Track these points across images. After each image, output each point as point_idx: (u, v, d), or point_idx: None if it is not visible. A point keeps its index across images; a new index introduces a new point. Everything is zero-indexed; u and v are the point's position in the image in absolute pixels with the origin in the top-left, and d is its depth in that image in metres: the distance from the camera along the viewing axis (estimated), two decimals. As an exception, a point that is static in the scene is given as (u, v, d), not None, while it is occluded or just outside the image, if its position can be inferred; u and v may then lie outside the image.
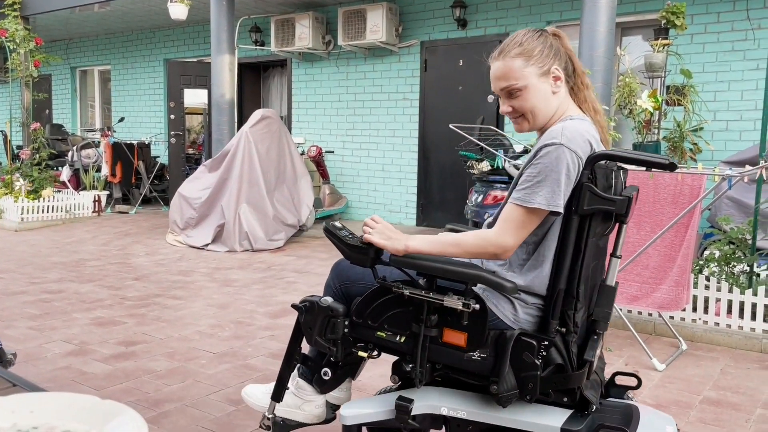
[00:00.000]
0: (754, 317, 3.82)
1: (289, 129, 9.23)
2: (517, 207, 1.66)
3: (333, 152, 8.93)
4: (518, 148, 5.90)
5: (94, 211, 8.84)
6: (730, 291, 3.89)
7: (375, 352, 1.87)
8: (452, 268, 1.67)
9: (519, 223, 1.66)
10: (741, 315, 3.85)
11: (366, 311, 1.84)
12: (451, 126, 5.22)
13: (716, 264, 4.17)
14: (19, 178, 8.29)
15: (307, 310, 1.91)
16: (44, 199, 8.22)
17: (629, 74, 4.71)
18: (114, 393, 2.94)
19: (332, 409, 2.09)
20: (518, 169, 5.42)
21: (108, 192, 9.30)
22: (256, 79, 10.51)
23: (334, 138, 9.02)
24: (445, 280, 1.71)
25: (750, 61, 6.06)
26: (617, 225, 1.75)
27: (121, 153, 9.34)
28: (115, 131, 10.03)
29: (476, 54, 7.70)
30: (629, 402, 1.84)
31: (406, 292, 1.72)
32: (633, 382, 1.89)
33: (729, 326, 3.87)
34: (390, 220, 8.25)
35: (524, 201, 1.64)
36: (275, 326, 3.99)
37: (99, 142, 9.84)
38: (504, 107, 1.81)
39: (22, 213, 7.92)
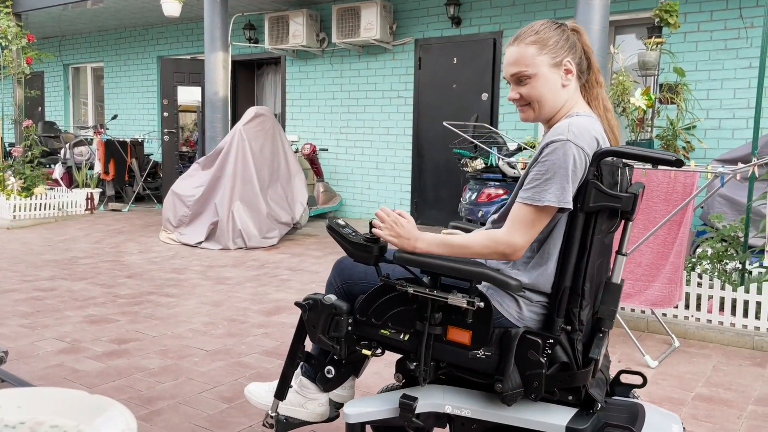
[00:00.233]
0: (746, 314, 3.83)
1: (283, 127, 9.21)
2: (526, 206, 1.64)
3: (327, 150, 8.92)
4: (512, 146, 5.91)
5: (86, 209, 8.80)
6: (723, 288, 3.90)
7: (379, 350, 1.86)
8: (456, 266, 1.66)
9: (529, 222, 1.64)
10: (733, 312, 3.86)
11: (369, 309, 1.83)
12: (445, 124, 5.22)
13: (709, 261, 4.18)
14: (12, 176, 8.24)
15: (311, 307, 1.91)
16: (36, 196, 8.18)
17: (623, 72, 4.72)
18: (106, 391, 2.92)
19: (335, 407, 2.08)
20: (512, 166, 5.43)
21: (101, 190, 9.27)
22: (249, 77, 10.49)
23: (328, 136, 9.01)
24: (449, 278, 1.70)
25: (743, 60, 6.08)
26: (623, 222, 1.75)
27: (114, 150, 9.30)
28: (108, 129, 9.99)
29: (470, 52, 7.71)
30: (634, 400, 1.84)
31: (410, 290, 1.71)
32: (638, 380, 1.89)
33: (721, 323, 3.88)
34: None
35: (534, 200, 1.63)
36: (269, 324, 3.99)
37: (92, 139, 9.80)
38: (512, 93, 1.80)
39: (14, 211, 7.88)
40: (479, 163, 5.73)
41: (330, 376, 1.99)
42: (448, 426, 1.84)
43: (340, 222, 1.84)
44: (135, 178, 9.66)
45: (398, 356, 1.86)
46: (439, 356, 1.74)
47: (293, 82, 9.30)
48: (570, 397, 1.68)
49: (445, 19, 7.84)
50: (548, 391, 1.65)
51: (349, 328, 1.86)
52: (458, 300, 1.65)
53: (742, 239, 4.10)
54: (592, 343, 1.70)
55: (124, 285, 4.91)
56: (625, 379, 1.91)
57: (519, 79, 1.77)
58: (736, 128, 6.13)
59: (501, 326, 1.69)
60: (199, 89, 9.38)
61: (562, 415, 1.65)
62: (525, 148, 5.65)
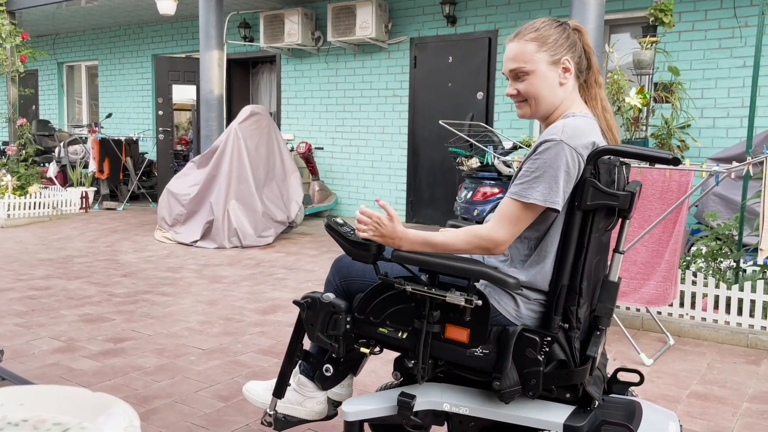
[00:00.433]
0: (740, 312, 3.85)
1: (279, 125, 9.21)
2: (513, 201, 1.65)
3: (322, 149, 8.91)
4: (507, 145, 5.92)
5: (81, 208, 8.78)
6: (717, 286, 3.92)
7: (377, 349, 1.86)
8: (455, 264, 1.67)
9: (513, 218, 1.65)
10: (728, 310, 3.88)
11: (368, 307, 1.83)
12: (440, 122, 5.23)
13: (703, 260, 4.20)
14: (6, 175, 8.21)
15: (309, 306, 1.91)
16: (31, 195, 8.15)
17: (617, 71, 4.73)
18: (102, 389, 2.92)
19: (334, 405, 2.09)
20: (507, 165, 5.44)
21: (95, 188, 9.24)
22: (245, 76, 10.47)
23: (324, 134, 9.00)
24: (447, 276, 1.70)
25: (737, 59, 6.11)
26: (620, 220, 1.76)
27: (108, 149, 9.28)
28: (102, 127, 9.96)
29: (466, 51, 7.72)
30: (632, 398, 1.85)
31: (409, 288, 1.72)
32: (635, 378, 1.90)
33: (716, 321, 3.90)
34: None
35: (520, 196, 1.64)
36: (265, 323, 3.99)
37: (86, 138, 9.77)
38: (509, 89, 1.81)
39: (8, 209, 7.85)
40: (475, 162, 5.73)
41: (328, 374, 1.99)
42: (446, 424, 1.85)
43: (339, 220, 1.84)
44: (130, 177, 9.63)
45: (396, 354, 1.87)
46: (437, 354, 1.74)
47: (288, 81, 9.29)
48: (567, 395, 1.69)
49: (440, 18, 7.85)
50: (546, 388, 1.65)
51: (348, 326, 1.86)
52: (456, 298, 1.65)
53: (736, 238, 4.13)
54: (590, 341, 1.71)
55: (120, 284, 4.90)
56: (622, 377, 1.92)
57: (517, 75, 1.78)
58: (730, 127, 6.16)
59: (499, 324, 1.69)
60: (194, 88, 9.37)
61: (560, 412, 1.66)
62: (520, 147, 5.67)
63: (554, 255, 1.68)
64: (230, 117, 8.60)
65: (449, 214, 7.46)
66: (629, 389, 1.91)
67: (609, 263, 1.82)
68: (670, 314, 4.03)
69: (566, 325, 1.66)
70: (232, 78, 10.03)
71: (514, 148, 5.80)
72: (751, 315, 3.82)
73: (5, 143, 9.38)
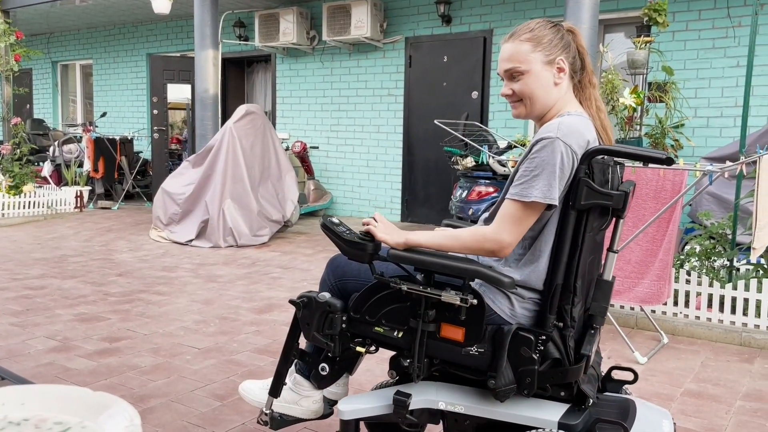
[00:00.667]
0: (733, 311, 3.88)
1: (274, 124, 9.20)
2: (514, 202, 1.66)
3: (318, 148, 8.91)
4: (502, 144, 5.93)
5: (76, 207, 8.76)
6: (711, 285, 3.95)
7: (372, 348, 1.87)
8: (450, 263, 1.68)
9: (516, 219, 1.66)
10: (721, 309, 3.91)
11: (364, 307, 1.84)
12: (435, 122, 5.24)
13: (697, 258, 4.22)
14: (0, 174, 8.18)
15: (305, 305, 1.92)
16: (25, 194, 8.13)
17: (612, 71, 4.75)
18: (98, 389, 2.90)
19: (329, 404, 2.09)
20: (502, 164, 5.45)
21: (90, 187, 9.22)
22: (240, 75, 10.46)
23: (319, 134, 9.00)
24: (443, 276, 1.72)
25: (730, 59, 6.14)
26: (614, 220, 1.77)
27: (103, 148, 9.26)
28: (97, 126, 9.93)
29: (461, 50, 7.73)
30: (626, 396, 1.86)
31: (404, 287, 1.72)
32: (629, 376, 1.91)
33: (709, 320, 3.92)
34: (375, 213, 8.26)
35: (521, 196, 1.64)
36: (260, 322, 3.99)
37: (81, 137, 9.74)
38: (504, 89, 1.82)
39: (2, 209, 7.83)
40: (470, 161, 5.75)
41: (324, 373, 2.00)
42: (441, 423, 1.86)
43: (334, 220, 1.84)
44: (125, 176, 9.62)
45: (391, 353, 1.87)
46: (432, 353, 1.75)
47: (283, 80, 9.28)
48: (562, 393, 1.70)
49: (435, 18, 7.86)
50: (541, 387, 1.67)
51: (344, 325, 1.87)
52: (451, 297, 1.66)
53: (730, 237, 4.15)
54: (584, 340, 1.72)
55: (115, 283, 4.90)
56: (617, 375, 1.93)
57: (512, 75, 1.79)
58: (723, 126, 6.19)
59: (494, 323, 1.71)
60: (189, 87, 9.35)
61: (555, 410, 1.67)
62: (515, 146, 5.68)
63: (548, 254, 1.69)
64: (225, 116, 8.58)
65: (444, 213, 7.47)
66: (623, 387, 1.92)
67: (603, 262, 1.83)
68: (664, 313, 4.05)
69: (561, 324, 1.67)
70: (227, 77, 10.02)
71: (509, 147, 5.82)
72: (745, 313, 3.85)
73: (0, 142, 9.35)
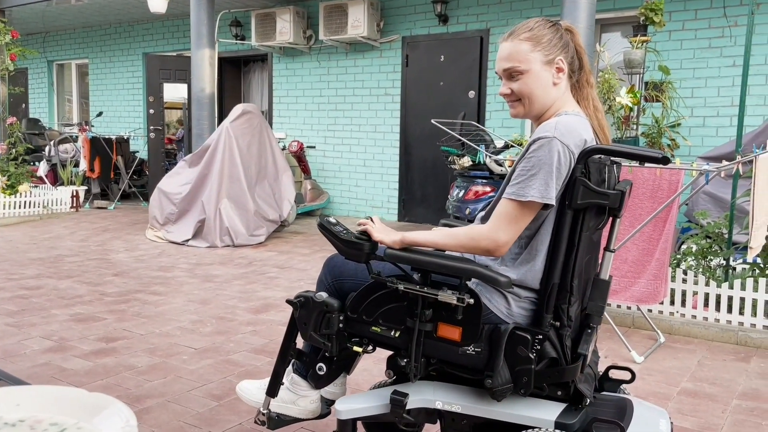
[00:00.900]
0: (730, 310, 3.88)
1: (270, 124, 9.19)
2: (510, 201, 1.66)
3: (314, 147, 8.91)
4: (499, 144, 5.93)
5: (72, 207, 8.74)
6: (707, 284, 3.95)
7: (369, 347, 1.87)
8: (446, 263, 1.68)
9: (512, 218, 1.65)
10: (717, 308, 3.91)
11: (361, 306, 1.84)
12: (432, 121, 5.24)
13: (693, 258, 4.23)
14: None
15: (302, 305, 1.92)
16: (21, 194, 8.10)
17: (608, 70, 4.76)
18: (95, 389, 2.91)
19: (327, 404, 2.09)
20: (499, 164, 5.46)
21: (86, 187, 9.20)
22: (236, 74, 10.45)
23: (316, 133, 9.00)
24: (440, 275, 1.71)
25: (726, 58, 6.15)
26: (611, 219, 1.77)
27: (99, 148, 9.24)
28: (93, 126, 9.92)
29: (457, 50, 7.73)
30: (623, 396, 1.86)
31: (401, 287, 1.72)
32: (627, 376, 1.91)
33: (706, 319, 3.93)
34: (372, 215, 8.27)
35: (518, 195, 1.64)
36: (257, 322, 3.98)
37: (77, 136, 9.72)
38: (503, 89, 1.81)
39: (-2, 208, 7.81)
40: (466, 161, 5.75)
41: (321, 373, 1.99)
42: (439, 422, 1.85)
43: (331, 220, 1.84)
44: (121, 176, 9.60)
45: (389, 353, 1.87)
46: (429, 352, 1.75)
47: (280, 80, 9.27)
48: (559, 393, 1.70)
49: (432, 17, 7.86)
50: (537, 386, 1.67)
51: (341, 325, 1.87)
52: (448, 297, 1.66)
53: (726, 236, 4.16)
54: (581, 339, 1.72)
55: (111, 283, 4.89)
56: (614, 374, 1.93)
57: (511, 75, 1.78)
58: (720, 126, 6.20)
59: (490, 322, 1.71)
60: (185, 86, 9.33)
61: (552, 410, 1.67)
62: (512, 146, 5.69)
63: (545, 253, 1.69)
64: (222, 116, 8.58)
65: (441, 213, 7.47)
66: (621, 387, 1.92)
67: (600, 261, 1.83)
68: (660, 312, 4.05)
69: (557, 323, 1.67)
70: (224, 76, 10.01)
71: (506, 146, 5.82)
72: (741, 312, 3.85)
73: (-5, 142, 9.31)
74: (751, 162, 3.60)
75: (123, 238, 6.86)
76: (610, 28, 6.93)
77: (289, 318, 2.03)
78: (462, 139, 5.35)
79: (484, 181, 5.69)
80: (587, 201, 1.63)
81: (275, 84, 9.33)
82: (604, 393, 1.89)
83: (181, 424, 2.57)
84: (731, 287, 3.88)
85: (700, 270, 4.14)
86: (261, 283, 4.97)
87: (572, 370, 1.66)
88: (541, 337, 1.65)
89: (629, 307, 4.08)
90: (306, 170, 8.45)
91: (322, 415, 2.11)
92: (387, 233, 1.79)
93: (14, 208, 7.99)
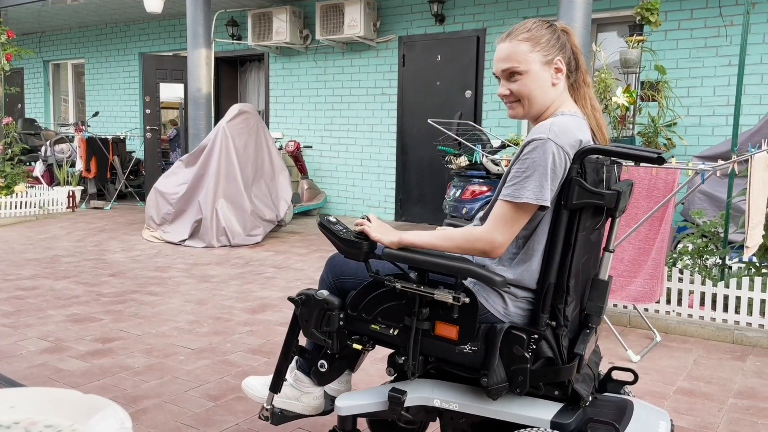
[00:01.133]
0: (726, 309, 3.89)
1: (267, 124, 9.18)
2: (506, 203, 1.66)
3: (311, 147, 8.90)
4: (496, 143, 5.94)
5: (68, 207, 8.72)
6: (703, 283, 3.96)
7: (369, 345, 1.89)
8: (442, 262, 1.69)
9: (508, 220, 1.66)
10: (713, 307, 3.92)
11: (360, 304, 1.86)
12: (429, 121, 5.24)
13: (689, 257, 4.24)
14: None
15: (304, 303, 1.94)
16: (17, 194, 8.08)
17: (605, 70, 4.77)
18: (91, 390, 2.91)
19: (331, 401, 2.11)
20: (496, 163, 5.46)
21: (82, 187, 9.18)
22: (233, 74, 10.43)
23: (312, 133, 8.99)
24: (437, 274, 1.73)
25: (722, 58, 6.16)
26: (609, 219, 1.77)
27: (95, 148, 9.22)
28: (89, 126, 9.89)
29: (454, 49, 7.73)
30: (624, 397, 1.87)
31: (398, 285, 1.74)
32: (630, 377, 1.92)
33: (702, 318, 3.94)
34: (369, 214, 8.27)
35: (513, 197, 1.64)
36: (254, 322, 3.98)
37: (73, 136, 9.70)
38: (501, 89, 1.81)
39: (-6, 209, 7.79)
40: (463, 161, 5.75)
41: (323, 370, 2.01)
42: (439, 420, 1.86)
43: (331, 219, 1.86)
44: (117, 176, 9.58)
45: (386, 352, 1.88)
46: (427, 351, 1.77)
47: (277, 79, 9.27)
48: (556, 392, 1.70)
49: (428, 17, 7.86)
50: (534, 385, 1.67)
51: (341, 323, 1.89)
52: (444, 295, 1.67)
53: (722, 235, 4.17)
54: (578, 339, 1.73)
55: (107, 283, 4.88)
56: (617, 375, 1.94)
57: (509, 75, 1.78)
58: (716, 125, 6.21)
59: (487, 321, 1.71)
60: (181, 86, 9.32)
61: (548, 409, 1.68)
62: (508, 145, 5.69)
63: (541, 253, 1.69)
64: (218, 115, 8.57)
65: (438, 213, 7.47)
66: (624, 388, 1.93)
67: (599, 261, 1.84)
68: (657, 311, 4.06)
69: (554, 323, 1.68)
70: (220, 76, 10.00)
71: (503, 146, 5.83)
72: (737, 311, 3.86)
73: (-9, 142, 9.29)
74: (746, 161, 3.61)
75: (119, 238, 6.84)
76: (607, 28, 6.94)
77: (290, 317, 2.05)
78: (459, 138, 5.35)
79: (480, 180, 5.69)
80: (583, 201, 1.63)
81: (272, 84, 9.32)
82: (607, 394, 1.90)
83: (178, 425, 2.57)
84: (727, 286, 3.89)
85: (696, 269, 4.15)
86: (258, 283, 4.97)
87: (568, 369, 1.66)
88: (536, 336, 1.66)
89: (626, 307, 4.09)
90: (303, 170, 8.45)
91: (326, 412, 2.12)
92: (385, 233, 1.80)
93: (10, 208, 7.97)
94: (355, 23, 7.92)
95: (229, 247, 6.46)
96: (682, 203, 5.24)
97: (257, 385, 2.19)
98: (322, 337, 1.91)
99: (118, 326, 3.84)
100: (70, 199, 8.74)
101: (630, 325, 4.04)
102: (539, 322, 1.67)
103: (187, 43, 7.30)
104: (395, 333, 1.80)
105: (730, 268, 4.15)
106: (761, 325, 3.79)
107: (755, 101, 6.00)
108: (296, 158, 8.29)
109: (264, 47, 8.96)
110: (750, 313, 3.83)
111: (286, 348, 2.06)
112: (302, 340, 2.07)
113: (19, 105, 12.32)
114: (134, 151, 10.07)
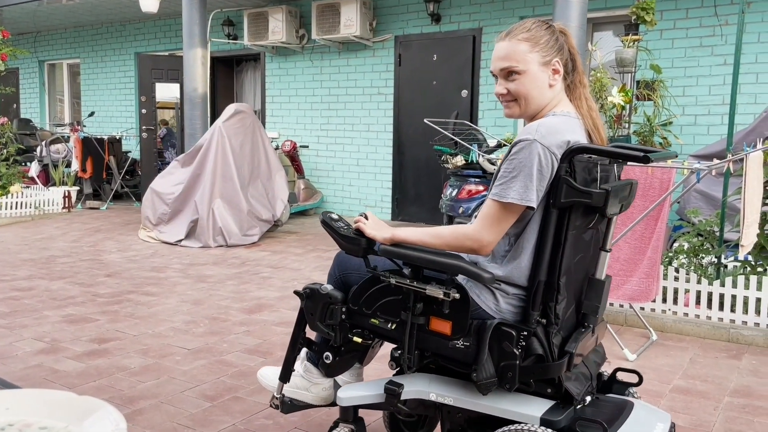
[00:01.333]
0: (721, 307, 3.90)
1: (263, 124, 9.18)
2: (493, 202, 1.69)
3: (308, 147, 8.90)
4: (492, 143, 5.94)
5: (64, 207, 8.70)
6: (699, 282, 3.97)
7: (370, 338, 1.95)
8: (434, 258, 1.73)
9: (495, 219, 1.68)
10: (709, 305, 3.93)
11: (361, 299, 1.92)
12: (425, 120, 5.24)
13: (685, 256, 4.25)
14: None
15: (308, 296, 2.01)
16: (12, 195, 8.06)
17: (600, 69, 4.77)
18: (87, 391, 2.90)
19: None
20: (492, 163, 5.47)
21: (78, 188, 9.16)
22: (229, 74, 10.42)
23: (309, 133, 8.99)
24: (431, 271, 1.77)
25: (717, 57, 6.17)
26: (607, 219, 1.78)
27: (91, 148, 9.20)
28: (85, 126, 9.87)
29: (450, 49, 7.74)
30: (626, 398, 1.88)
31: (393, 280, 1.80)
32: (634, 378, 1.93)
33: (698, 317, 3.95)
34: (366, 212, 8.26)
35: (500, 196, 1.67)
36: (250, 322, 3.98)
37: (68, 136, 9.67)
38: (499, 88, 1.82)
39: (-11, 209, 7.76)
40: (459, 160, 5.75)
41: (328, 361, 2.06)
42: (438, 414, 1.90)
43: (334, 216, 1.93)
44: (113, 176, 9.56)
45: (388, 348, 1.92)
46: (422, 345, 1.81)
47: (273, 79, 9.26)
48: (549, 390, 1.72)
49: (424, 16, 7.86)
50: (523, 382, 1.69)
51: (343, 316, 1.95)
52: (435, 291, 1.72)
53: (717, 234, 4.18)
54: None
55: (104, 284, 4.87)
56: (622, 377, 1.96)
57: (507, 75, 1.79)
58: (711, 124, 6.23)
59: (479, 317, 1.74)
60: (177, 86, 9.30)
61: (539, 406, 1.69)
62: (504, 145, 5.69)
63: (531, 251, 1.71)
64: (214, 115, 8.56)
65: (434, 212, 7.48)
66: (629, 389, 1.94)
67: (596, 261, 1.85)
68: (653, 310, 4.07)
69: (544, 321, 1.69)
70: (216, 76, 9.98)
71: (499, 146, 5.83)
72: (733, 310, 3.87)
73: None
74: (742, 160, 3.62)
75: (115, 238, 6.83)
76: (602, 27, 6.95)
77: (287, 316, 2.08)
78: (455, 138, 5.35)
79: (477, 180, 5.69)
80: (570, 200, 1.65)
81: (268, 83, 9.31)
82: (610, 395, 1.91)
83: (174, 425, 2.57)
84: (723, 285, 3.90)
85: (692, 268, 4.16)
86: (254, 283, 4.97)
87: (557, 366, 1.68)
88: (526, 333, 1.68)
89: (622, 306, 4.09)
90: (299, 170, 8.44)
91: (335, 403, 2.15)
92: (379, 229, 1.85)
93: (6, 208, 7.95)
94: (351, 23, 7.92)
95: (226, 247, 6.46)
96: (678, 202, 5.25)
97: (270, 375, 2.26)
98: (325, 329, 1.98)
99: (114, 327, 3.83)
100: (66, 199, 8.72)
101: (626, 324, 4.05)
102: (530, 320, 1.69)
103: (183, 42, 7.29)
104: (393, 327, 1.85)
105: (726, 266, 4.16)
106: (757, 324, 3.80)
107: (750, 100, 6.01)
108: (292, 158, 8.28)
109: (260, 47, 8.95)
110: (745, 311, 3.84)
111: (294, 339, 2.13)
112: (312, 333, 2.12)
113: (15, 105, 12.29)
114: (130, 151, 10.06)
